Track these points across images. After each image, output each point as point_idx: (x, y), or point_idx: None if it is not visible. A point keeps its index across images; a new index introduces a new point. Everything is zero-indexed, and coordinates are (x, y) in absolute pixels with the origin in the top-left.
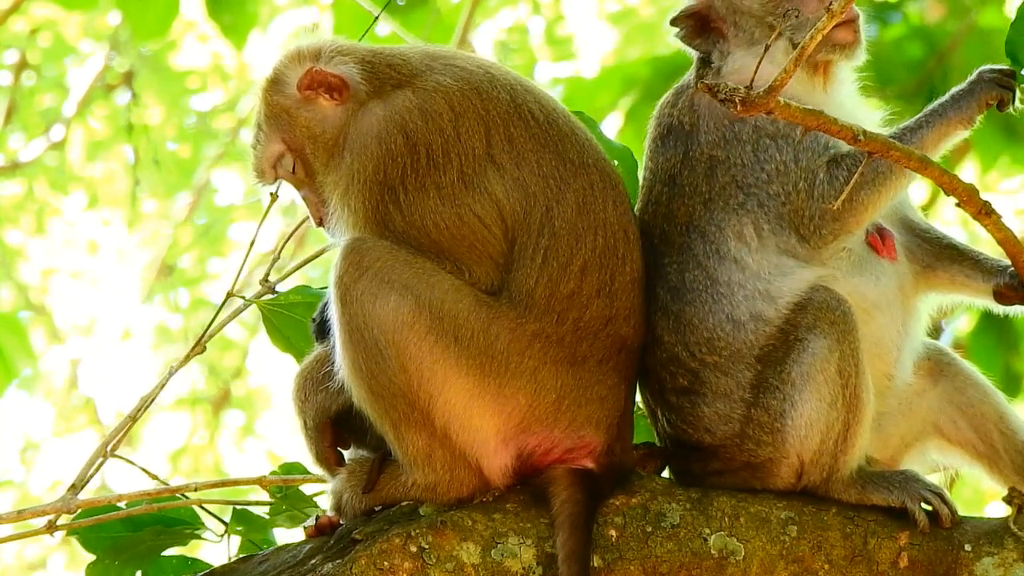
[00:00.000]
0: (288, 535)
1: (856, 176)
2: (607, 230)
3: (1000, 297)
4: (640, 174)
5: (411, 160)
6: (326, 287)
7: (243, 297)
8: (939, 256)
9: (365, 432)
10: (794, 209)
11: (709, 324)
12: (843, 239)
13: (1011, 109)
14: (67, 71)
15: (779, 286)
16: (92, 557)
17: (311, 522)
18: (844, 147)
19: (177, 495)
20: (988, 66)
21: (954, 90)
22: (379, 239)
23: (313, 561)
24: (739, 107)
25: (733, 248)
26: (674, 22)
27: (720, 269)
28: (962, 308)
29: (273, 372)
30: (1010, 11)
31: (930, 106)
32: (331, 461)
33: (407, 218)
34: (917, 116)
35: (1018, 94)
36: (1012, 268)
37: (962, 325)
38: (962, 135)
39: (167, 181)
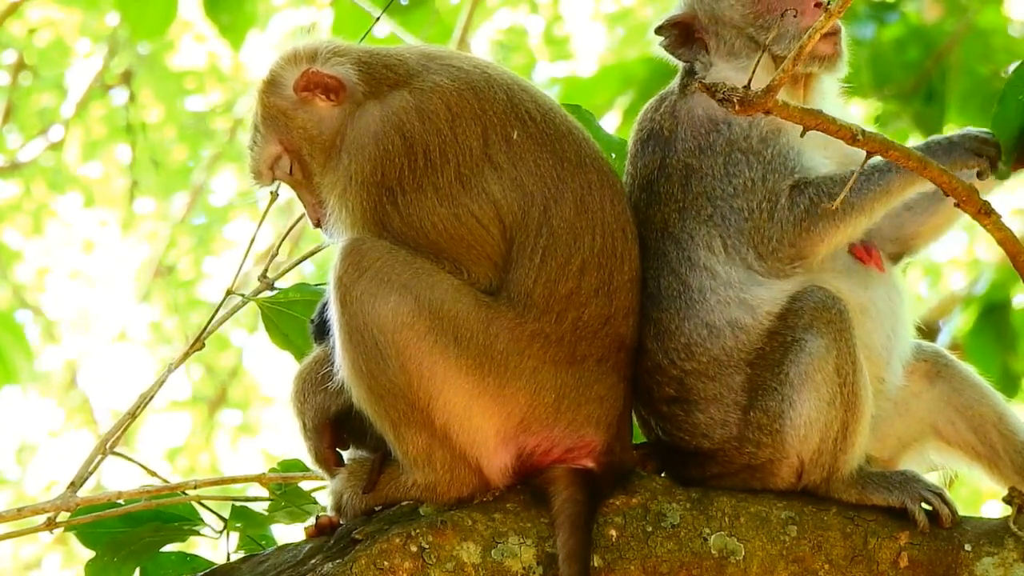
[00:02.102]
0: (287, 531)
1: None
2: (605, 229)
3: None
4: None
5: (408, 161)
6: (324, 283)
7: (242, 295)
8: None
9: (364, 433)
10: (755, 227)
11: (685, 330)
12: (799, 264)
13: (991, 177)
14: (65, 72)
15: (755, 294)
16: (88, 557)
17: (311, 522)
18: (811, 174)
19: (177, 492)
20: (974, 131)
21: (934, 139)
22: (378, 239)
23: (313, 561)
24: (737, 107)
25: (703, 257)
26: (659, 31)
27: (692, 275)
28: (960, 301)
29: (270, 371)
30: (1008, 11)
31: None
32: (330, 462)
33: (405, 219)
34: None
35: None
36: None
37: (959, 325)
38: (930, 188)
39: (164, 181)
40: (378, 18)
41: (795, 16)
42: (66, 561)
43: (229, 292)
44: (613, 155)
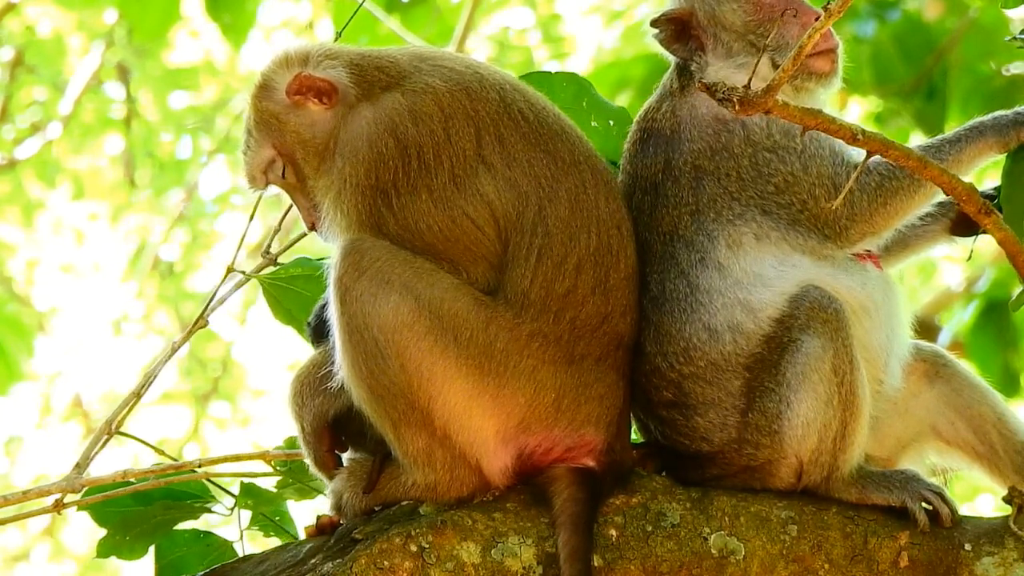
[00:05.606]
0: (297, 508)
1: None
2: (600, 227)
3: (955, 229)
4: (619, 177)
5: (402, 163)
6: (324, 258)
7: (243, 272)
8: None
9: (363, 435)
10: (814, 215)
11: (686, 333)
12: (869, 240)
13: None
14: (62, 69)
15: (759, 297)
16: (76, 548)
17: (311, 522)
18: (848, 150)
19: (184, 470)
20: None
21: (997, 113)
22: (378, 239)
23: (313, 560)
24: (737, 107)
25: (722, 256)
26: (654, 23)
27: (702, 276)
28: (960, 304)
29: (260, 362)
30: (1008, 11)
31: (968, 123)
32: (329, 465)
33: (400, 221)
34: (956, 129)
35: None
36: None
37: (960, 323)
38: (995, 157)
39: (159, 176)
40: (359, 7)
41: (795, 16)
42: (55, 553)
43: (230, 269)
44: (611, 122)
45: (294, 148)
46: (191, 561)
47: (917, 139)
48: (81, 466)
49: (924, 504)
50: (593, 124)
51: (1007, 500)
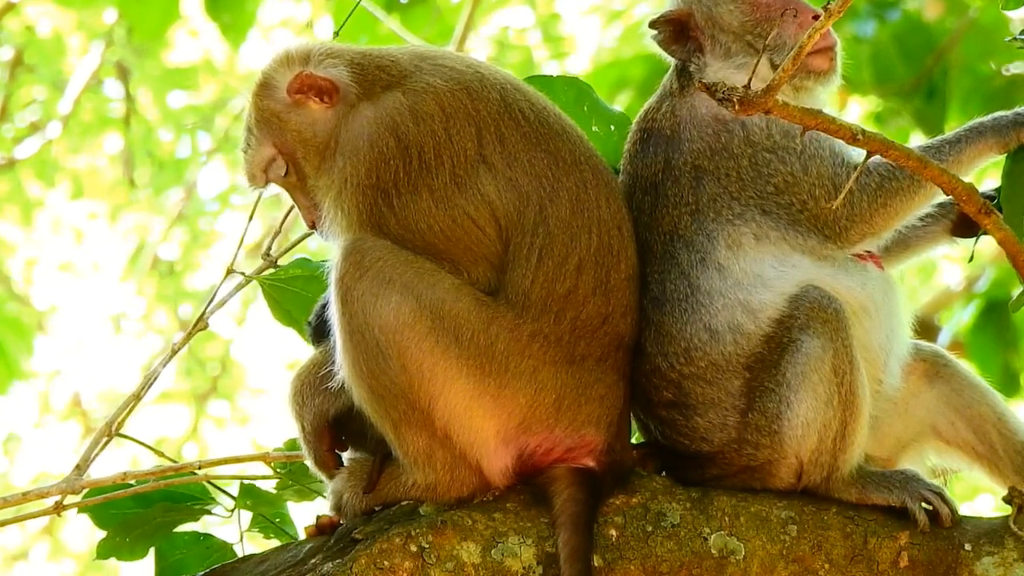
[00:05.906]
0: (297, 510)
1: (856, 181)
2: (601, 227)
3: (956, 230)
4: (620, 178)
5: (403, 163)
6: (325, 260)
7: (243, 273)
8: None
9: (363, 435)
10: (813, 215)
11: (687, 334)
12: (869, 240)
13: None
14: (61, 68)
15: (760, 298)
16: (76, 548)
17: (311, 522)
18: (848, 150)
19: (184, 472)
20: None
21: (996, 113)
22: (379, 239)
23: (313, 560)
24: (737, 107)
25: (722, 256)
26: (653, 24)
27: (703, 277)
28: (960, 303)
29: (258, 361)
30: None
31: (968, 123)
32: (330, 465)
33: (400, 221)
34: (955, 130)
35: None
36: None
37: (960, 322)
38: (995, 158)
39: (160, 175)
40: (355, 6)
41: (794, 16)
42: (53, 552)
43: (230, 271)
44: (612, 127)
45: (295, 147)
46: (191, 563)
47: (917, 139)
48: (81, 468)
49: (924, 504)
50: (594, 129)
51: (1007, 500)
